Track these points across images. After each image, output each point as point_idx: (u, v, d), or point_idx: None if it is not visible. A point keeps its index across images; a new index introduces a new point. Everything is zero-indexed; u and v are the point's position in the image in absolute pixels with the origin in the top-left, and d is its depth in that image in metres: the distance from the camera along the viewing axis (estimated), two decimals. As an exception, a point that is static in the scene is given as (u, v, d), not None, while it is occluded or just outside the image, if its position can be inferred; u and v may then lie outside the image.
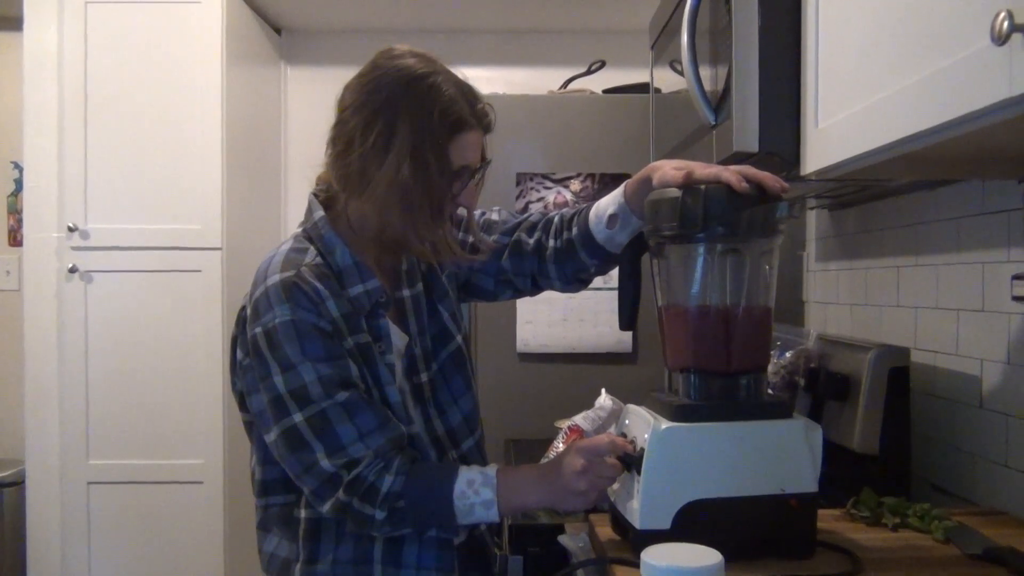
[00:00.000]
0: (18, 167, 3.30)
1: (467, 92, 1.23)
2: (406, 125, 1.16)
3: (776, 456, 1.06)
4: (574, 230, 1.32)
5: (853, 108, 1.09)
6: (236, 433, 2.65)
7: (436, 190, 1.18)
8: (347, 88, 1.26)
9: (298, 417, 1.13)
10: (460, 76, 1.25)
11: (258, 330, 1.15)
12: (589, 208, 1.32)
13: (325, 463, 1.12)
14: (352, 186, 1.21)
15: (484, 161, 1.26)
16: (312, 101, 3.41)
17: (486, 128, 1.24)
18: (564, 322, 2.36)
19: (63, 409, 2.73)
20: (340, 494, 1.13)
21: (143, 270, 2.72)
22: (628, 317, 1.25)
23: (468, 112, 1.20)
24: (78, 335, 2.72)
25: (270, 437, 1.17)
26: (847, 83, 1.12)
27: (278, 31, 3.38)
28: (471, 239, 1.36)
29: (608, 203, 1.29)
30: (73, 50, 2.71)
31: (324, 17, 3.26)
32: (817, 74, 1.23)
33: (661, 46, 2.11)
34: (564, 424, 1.75)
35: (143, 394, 2.73)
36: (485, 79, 3.33)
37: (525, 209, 2.40)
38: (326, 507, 1.15)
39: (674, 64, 2.11)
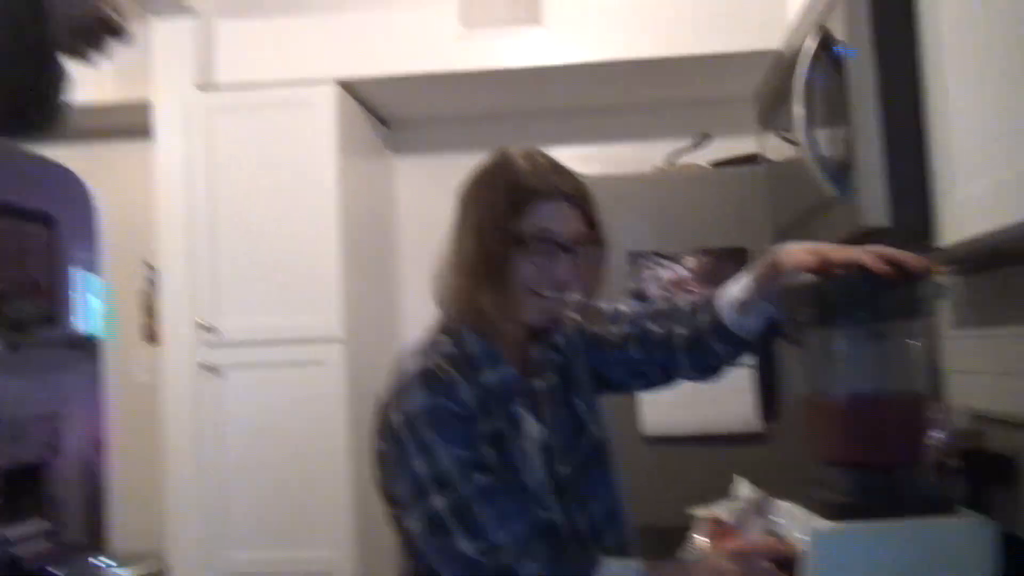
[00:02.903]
0: (152, 268, 3.50)
1: (547, 165, 1.23)
2: (480, 203, 1.22)
3: (947, 556, 1.00)
4: (703, 318, 1.30)
5: (996, 175, 1.02)
6: (368, 524, 2.68)
7: (498, 259, 1.19)
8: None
9: (439, 503, 1.14)
10: (555, 157, 1.26)
11: (397, 417, 1.18)
12: (717, 294, 1.30)
13: (467, 549, 1.13)
14: (454, 271, 1.26)
15: (589, 238, 1.24)
16: (420, 189, 3.52)
17: (569, 199, 1.21)
18: (690, 403, 2.31)
19: (201, 502, 2.81)
20: None
21: (271, 363, 2.81)
22: (770, 407, 1.22)
23: (542, 182, 1.20)
24: (213, 428, 2.82)
25: (411, 524, 1.18)
26: (987, 146, 1.06)
27: (386, 124, 3.51)
28: (595, 329, 1.37)
29: (737, 289, 1.27)
30: (199, 156, 2.89)
31: (427, 107, 3.38)
32: (950, 138, 1.15)
33: (770, 116, 2.08)
34: (702, 513, 1.69)
35: (277, 486, 2.80)
36: (584, 158, 3.35)
37: (640, 288, 2.39)
38: None
39: (784, 133, 2.07)
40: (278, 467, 2.80)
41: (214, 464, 2.81)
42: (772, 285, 1.20)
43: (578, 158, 3.31)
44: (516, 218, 1.19)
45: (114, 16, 0.75)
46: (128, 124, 3.49)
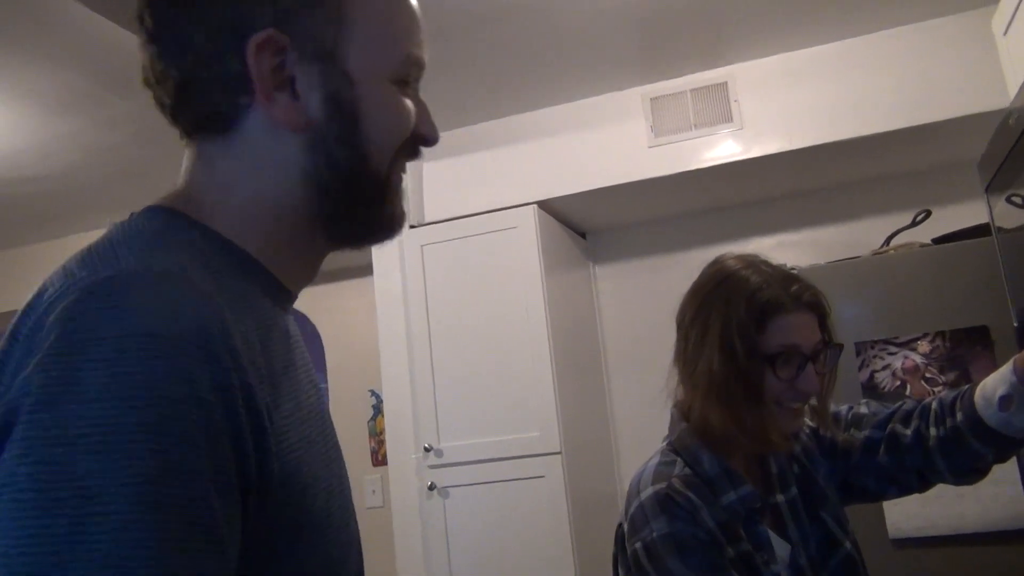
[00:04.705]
0: (375, 394, 3.72)
1: (781, 277, 1.22)
2: (716, 320, 1.19)
3: None
4: (959, 416, 1.20)
5: None
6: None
7: (747, 376, 1.16)
8: (681, 302, 1.30)
9: None
10: (780, 265, 1.26)
11: (637, 545, 1.16)
12: (972, 389, 1.20)
13: None
14: (688, 389, 1.24)
15: (826, 345, 1.21)
16: (620, 294, 3.53)
17: (809, 308, 1.20)
18: (939, 499, 2.10)
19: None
20: None
21: (492, 481, 2.86)
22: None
23: (782, 295, 1.18)
24: (440, 547, 2.88)
25: None
26: None
27: (583, 235, 3.59)
28: (832, 435, 1.30)
29: (996, 383, 1.16)
30: (415, 287, 3.07)
31: (622, 214, 3.42)
32: None
33: (1000, 180, 1.94)
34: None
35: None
36: (792, 244, 3.26)
37: (870, 379, 2.24)
38: None
39: (1019, 198, 1.93)
40: (507, 582, 2.81)
41: (443, 581, 2.86)
42: None
43: (782, 246, 3.24)
44: (761, 335, 1.18)
45: (429, 130, 0.75)
46: (351, 264, 3.81)
